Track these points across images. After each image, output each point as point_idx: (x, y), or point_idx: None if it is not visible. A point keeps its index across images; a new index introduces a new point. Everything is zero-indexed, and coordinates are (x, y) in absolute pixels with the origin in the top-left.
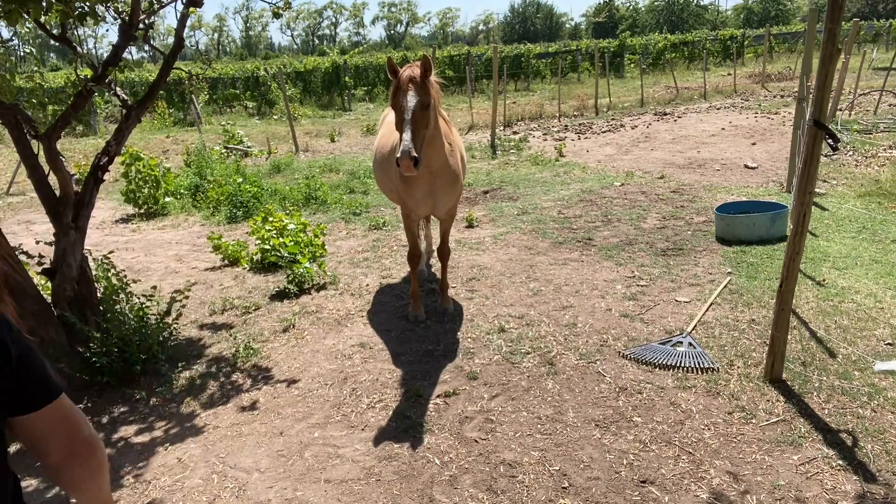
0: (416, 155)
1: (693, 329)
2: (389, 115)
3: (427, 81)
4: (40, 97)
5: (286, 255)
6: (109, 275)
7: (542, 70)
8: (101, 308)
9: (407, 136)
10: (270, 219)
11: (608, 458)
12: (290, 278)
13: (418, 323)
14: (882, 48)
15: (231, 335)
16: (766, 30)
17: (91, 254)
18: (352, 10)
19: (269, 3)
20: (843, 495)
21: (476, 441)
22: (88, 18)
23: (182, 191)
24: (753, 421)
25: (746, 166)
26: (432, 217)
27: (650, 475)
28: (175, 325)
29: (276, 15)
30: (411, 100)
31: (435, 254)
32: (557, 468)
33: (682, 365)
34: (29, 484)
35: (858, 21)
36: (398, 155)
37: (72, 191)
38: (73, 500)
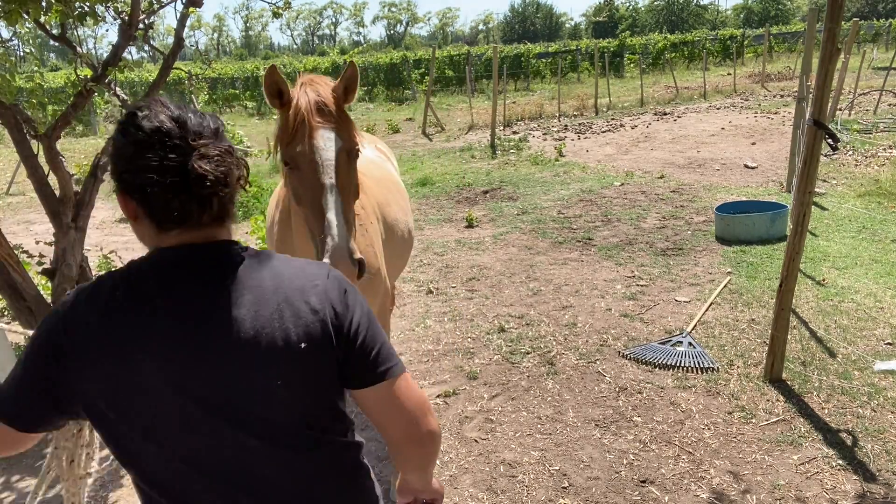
0: (359, 256)
1: (693, 329)
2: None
3: (345, 109)
4: (40, 97)
5: None
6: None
7: (542, 70)
8: None
9: (335, 215)
10: None
11: (608, 457)
12: None
13: None
14: (882, 48)
15: None
16: (766, 29)
17: (89, 252)
18: (352, 10)
19: (268, 3)
20: (843, 495)
21: (476, 441)
22: (88, 18)
23: None
24: (753, 421)
25: (746, 166)
26: None
27: (650, 475)
28: None
29: (276, 15)
30: (327, 145)
31: None
32: (557, 468)
33: (682, 365)
34: (28, 484)
35: (858, 21)
36: (330, 257)
37: (72, 191)
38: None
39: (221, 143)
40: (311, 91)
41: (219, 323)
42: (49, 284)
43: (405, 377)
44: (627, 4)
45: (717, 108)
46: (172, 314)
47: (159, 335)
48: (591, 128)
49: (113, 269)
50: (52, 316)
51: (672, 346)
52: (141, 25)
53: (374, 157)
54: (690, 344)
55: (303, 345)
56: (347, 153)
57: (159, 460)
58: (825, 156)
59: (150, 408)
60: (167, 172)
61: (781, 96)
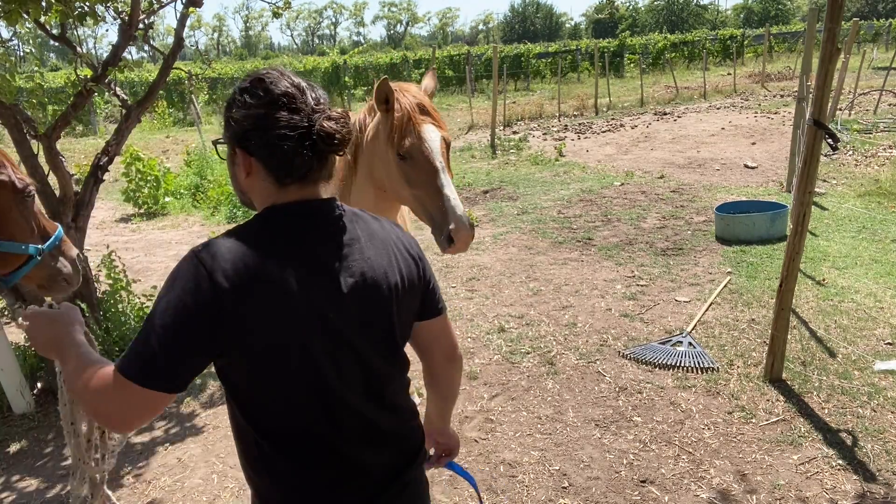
0: (473, 221)
1: (693, 329)
2: None
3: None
4: (40, 97)
5: None
6: (117, 271)
7: (542, 70)
8: (102, 308)
9: (452, 192)
10: None
11: (608, 457)
12: None
13: None
14: (882, 48)
15: None
16: (766, 29)
17: (89, 252)
18: (352, 10)
19: (268, 3)
20: (843, 495)
21: (476, 441)
22: (88, 18)
23: (182, 191)
24: (753, 420)
25: (746, 166)
26: None
27: (650, 475)
28: None
29: (276, 15)
30: (435, 136)
31: None
32: (557, 468)
33: (682, 365)
34: (29, 484)
35: (858, 20)
36: (456, 226)
37: (72, 191)
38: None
39: (337, 108)
40: (408, 95)
41: (354, 262)
42: None
43: (447, 313)
44: (627, 4)
45: (717, 108)
46: (314, 254)
47: (308, 270)
48: (591, 128)
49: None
50: (189, 280)
51: (672, 346)
52: (141, 25)
53: None
54: (690, 344)
55: (407, 282)
56: (445, 142)
57: (299, 387)
58: (825, 156)
59: (301, 335)
60: (295, 130)
61: (781, 96)
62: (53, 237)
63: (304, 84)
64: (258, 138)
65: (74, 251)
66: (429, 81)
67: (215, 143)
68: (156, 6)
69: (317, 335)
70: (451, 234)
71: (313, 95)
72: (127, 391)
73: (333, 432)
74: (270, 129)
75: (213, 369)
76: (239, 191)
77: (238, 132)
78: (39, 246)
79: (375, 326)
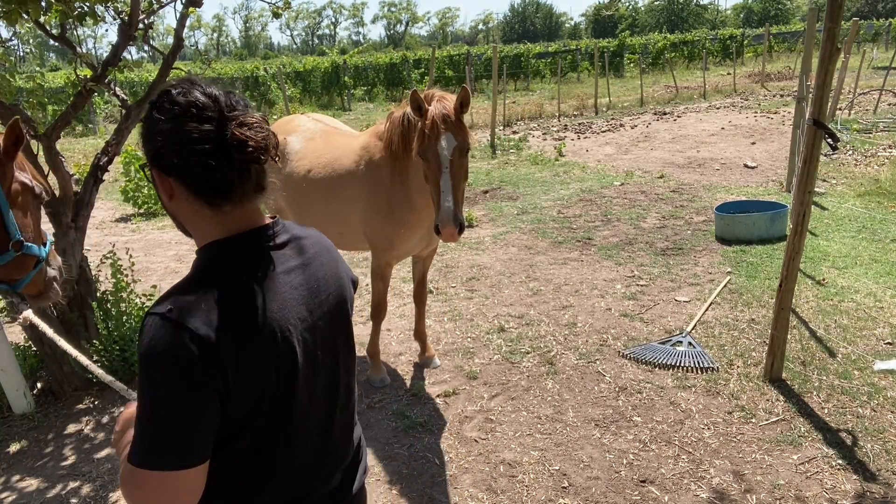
0: (462, 220)
1: (693, 328)
2: (308, 123)
3: (462, 118)
4: (40, 97)
5: None
6: (122, 269)
7: (542, 70)
8: (102, 308)
9: (447, 194)
10: None
11: (608, 457)
12: None
13: (383, 387)
14: (882, 47)
15: None
16: (766, 29)
17: (88, 252)
18: (351, 10)
19: (268, 3)
20: (842, 494)
21: (476, 441)
22: (88, 18)
23: None
24: (753, 420)
25: (746, 166)
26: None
27: (650, 475)
28: None
29: (276, 15)
30: (447, 145)
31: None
32: (557, 468)
33: (682, 364)
34: (29, 484)
35: (858, 20)
36: (440, 219)
37: (71, 191)
38: None
39: (255, 113)
40: (439, 105)
41: (314, 283)
42: None
43: None
44: (627, 4)
45: (717, 108)
46: (279, 285)
47: (280, 303)
48: (590, 127)
49: (186, 281)
50: (171, 346)
51: (672, 345)
52: (141, 25)
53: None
54: (690, 344)
55: (353, 286)
56: (460, 150)
57: (292, 413)
58: (825, 155)
59: (292, 368)
60: (207, 142)
61: (781, 96)
62: (48, 244)
63: (217, 92)
64: (170, 155)
65: (59, 259)
66: (461, 94)
67: (143, 166)
68: (156, 6)
69: (298, 366)
70: (439, 226)
71: (227, 103)
72: (165, 483)
73: (311, 463)
74: (181, 143)
75: None
76: (171, 216)
77: (151, 151)
78: (45, 251)
79: (343, 339)
